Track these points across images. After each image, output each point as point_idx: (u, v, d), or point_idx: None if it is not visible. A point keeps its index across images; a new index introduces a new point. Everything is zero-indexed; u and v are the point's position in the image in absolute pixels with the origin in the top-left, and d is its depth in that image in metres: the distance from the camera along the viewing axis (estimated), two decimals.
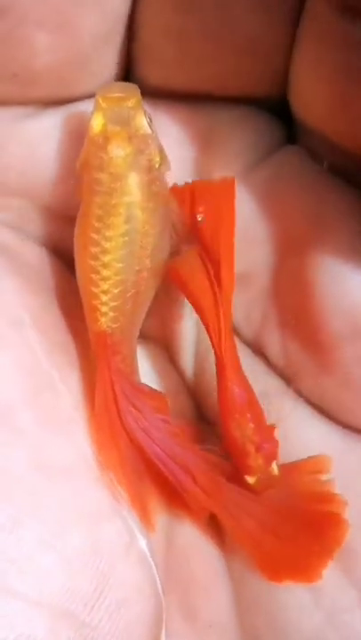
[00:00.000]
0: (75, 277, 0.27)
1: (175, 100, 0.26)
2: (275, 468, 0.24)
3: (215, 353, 0.25)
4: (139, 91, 0.24)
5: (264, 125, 0.27)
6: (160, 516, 0.25)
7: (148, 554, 0.24)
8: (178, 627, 0.24)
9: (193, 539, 0.26)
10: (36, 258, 0.27)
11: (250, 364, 0.26)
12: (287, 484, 0.25)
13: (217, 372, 0.25)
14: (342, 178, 0.26)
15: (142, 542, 0.24)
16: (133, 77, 0.26)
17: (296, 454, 0.25)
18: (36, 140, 0.26)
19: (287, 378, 0.26)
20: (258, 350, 0.27)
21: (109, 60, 0.25)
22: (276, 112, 0.27)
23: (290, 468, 0.25)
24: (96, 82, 0.25)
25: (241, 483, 0.24)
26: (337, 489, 0.24)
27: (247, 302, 0.27)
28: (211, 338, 0.25)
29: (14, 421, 0.22)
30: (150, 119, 0.25)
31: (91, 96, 0.25)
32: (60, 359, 0.25)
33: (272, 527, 0.24)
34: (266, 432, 0.24)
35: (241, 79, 0.26)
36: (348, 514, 0.24)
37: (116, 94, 0.24)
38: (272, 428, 0.25)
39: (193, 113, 0.26)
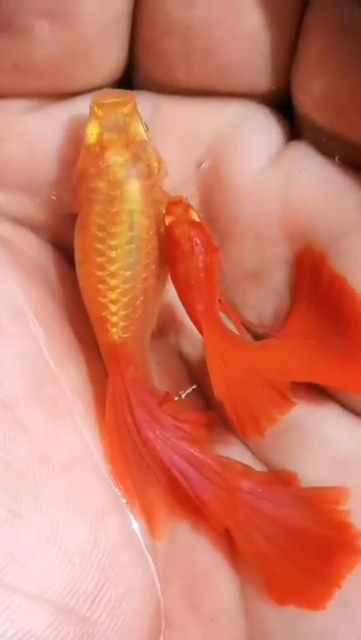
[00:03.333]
0: (75, 271, 0.27)
1: (179, 96, 0.26)
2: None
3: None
4: (134, 97, 0.24)
5: (272, 121, 0.26)
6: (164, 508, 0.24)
7: (146, 550, 0.23)
8: (181, 618, 0.24)
9: (196, 530, 0.25)
10: (37, 251, 0.27)
11: None
12: (304, 508, 0.24)
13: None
14: (355, 171, 0.25)
15: (144, 536, 0.23)
16: (136, 72, 0.26)
17: (323, 449, 0.24)
18: (37, 135, 0.26)
19: None
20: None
21: (111, 53, 0.25)
22: (277, 108, 0.26)
23: (309, 495, 0.24)
24: (98, 75, 0.25)
25: None
26: (355, 483, 0.24)
27: (259, 300, 0.26)
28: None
29: (17, 415, 0.22)
30: (146, 126, 0.24)
31: (92, 89, 0.25)
32: (62, 351, 0.25)
33: (284, 548, 0.24)
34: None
35: (245, 73, 0.25)
36: None
37: (111, 100, 0.24)
38: None
39: (199, 110, 0.26)
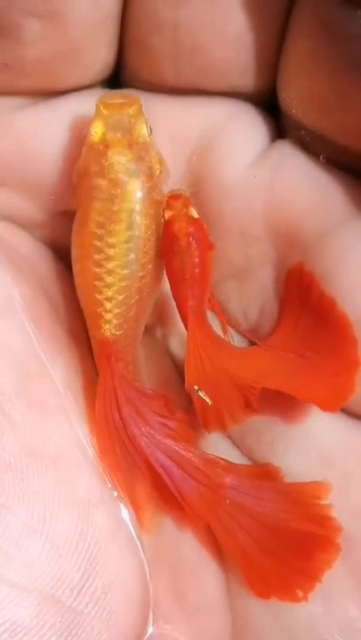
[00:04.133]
0: (66, 268, 0.27)
1: (166, 94, 0.26)
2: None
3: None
4: (140, 99, 0.25)
5: (258, 120, 0.27)
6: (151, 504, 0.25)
7: (137, 539, 0.24)
8: (167, 610, 0.24)
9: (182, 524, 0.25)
10: (27, 248, 0.27)
11: None
12: (287, 503, 0.24)
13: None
14: (340, 169, 0.25)
15: (131, 528, 0.24)
16: (125, 71, 0.27)
17: (307, 444, 0.25)
18: (27, 133, 0.26)
19: None
20: (255, 343, 0.27)
21: (100, 53, 0.25)
22: (263, 107, 0.27)
23: (291, 489, 0.25)
24: (87, 74, 0.26)
25: None
26: (338, 480, 0.24)
27: (245, 298, 0.27)
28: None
29: (4, 408, 0.23)
30: (150, 129, 0.25)
31: (82, 88, 0.26)
32: (51, 347, 0.25)
33: (264, 543, 0.24)
34: None
35: (232, 73, 0.25)
36: (350, 502, 0.24)
37: (118, 101, 0.24)
38: None
39: (185, 109, 0.26)
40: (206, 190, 0.26)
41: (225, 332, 0.26)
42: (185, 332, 0.25)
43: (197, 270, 0.25)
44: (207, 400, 0.24)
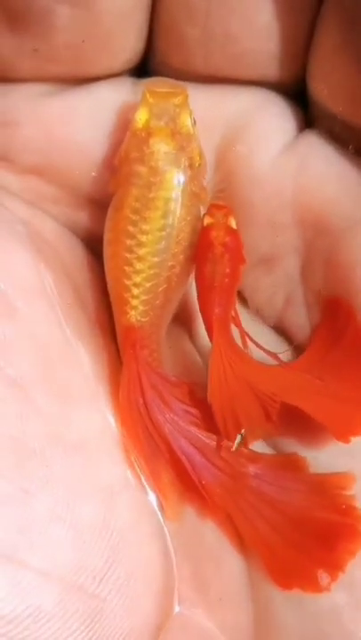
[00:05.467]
0: (92, 255, 0.27)
1: (195, 83, 0.26)
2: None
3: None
4: (187, 90, 0.25)
5: (286, 109, 0.27)
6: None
7: (164, 527, 0.24)
8: (189, 599, 0.24)
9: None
10: (52, 234, 0.27)
11: (273, 346, 0.27)
12: (310, 493, 0.25)
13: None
14: None
15: (159, 515, 0.24)
16: (154, 58, 0.27)
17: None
18: (54, 121, 0.26)
19: None
20: (281, 332, 0.27)
21: (130, 40, 0.26)
22: (291, 96, 0.27)
23: (315, 480, 0.25)
24: (116, 61, 0.26)
25: None
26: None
27: (270, 286, 0.27)
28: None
29: (29, 394, 0.22)
30: (194, 121, 0.25)
31: (110, 76, 0.26)
32: (76, 334, 0.25)
33: (286, 534, 0.25)
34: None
35: (261, 61, 0.26)
36: None
37: (164, 90, 0.25)
38: None
39: (214, 97, 0.27)
40: (235, 178, 0.26)
41: (245, 346, 0.26)
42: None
43: (227, 280, 0.25)
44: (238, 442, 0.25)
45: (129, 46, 0.26)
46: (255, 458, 0.25)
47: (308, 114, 0.27)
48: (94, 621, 0.21)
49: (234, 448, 0.25)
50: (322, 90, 0.26)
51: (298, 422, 0.25)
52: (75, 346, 0.24)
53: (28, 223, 0.26)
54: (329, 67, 0.25)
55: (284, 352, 0.26)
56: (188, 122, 0.25)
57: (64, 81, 0.26)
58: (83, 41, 0.24)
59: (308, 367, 0.26)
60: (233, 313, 0.25)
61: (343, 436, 0.24)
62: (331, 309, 0.26)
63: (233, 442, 0.25)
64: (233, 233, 0.25)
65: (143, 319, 0.25)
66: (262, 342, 0.26)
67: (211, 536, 0.25)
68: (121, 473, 0.24)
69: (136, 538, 0.23)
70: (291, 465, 0.25)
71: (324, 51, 0.25)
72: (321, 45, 0.25)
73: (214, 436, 0.25)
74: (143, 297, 0.25)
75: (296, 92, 0.27)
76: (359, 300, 0.25)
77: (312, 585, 0.24)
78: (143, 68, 0.27)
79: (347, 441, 0.24)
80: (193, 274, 0.26)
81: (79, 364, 0.24)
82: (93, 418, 0.24)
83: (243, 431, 0.25)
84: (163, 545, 0.24)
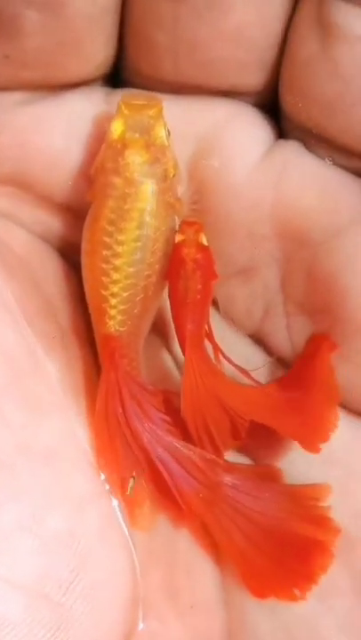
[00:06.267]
0: (66, 264, 0.27)
1: (167, 93, 0.26)
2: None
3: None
4: (162, 102, 0.25)
5: (259, 121, 0.27)
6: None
7: (129, 537, 0.24)
8: (160, 607, 0.24)
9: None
10: (22, 245, 0.27)
11: (249, 355, 0.27)
12: (285, 504, 0.25)
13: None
14: (346, 169, 0.26)
15: (123, 525, 0.24)
16: (126, 67, 0.27)
17: None
18: (28, 130, 0.26)
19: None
20: (259, 342, 0.28)
21: (100, 45, 0.25)
22: (262, 108, 0.27)
23: (290, 490, 0.25)
24: (87, 67, 0.26)
25: None
26: (340, 478, 0.25)
27: (248, 296, 0.27)
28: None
29: None
30: (169, 132, 0.25)
31: (83, 82, 0.26)
32: (45, 344, 0.25)
33: (262, 544, 0.25)
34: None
35: (231, 70, 0.25)
36: (351, 501, 0.25)
37: (140, 102, 0.25)
38: None
39: (186, 109, 0.26)
40: (210, 190, 0.26)
41: (218, 361, 0.26)
42: None
43: (199, 297, 0.25)
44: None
45: (99, 51, 0.26)
46: (231, 468, 0.25)
47: (280, 126, 0.27)
48: (60, 630, 0.21)
49: (128, 492, 0.25)
50: (295, 102, 0.25)
51: (269, 436, 0.25)
52: (42, 356, 0.25)
53: None
54: (303, 78, 0.25)
55: (257, 369, 0.26)
56: (163, 133, 0.25)
57: (37, 88, 0.26)
58: (52, 46, 0.24)
59: (281, 389, 0.26)
60: (206, 328, 0.26)
61: (312, 446, 0.24)
62: (314, 344, 0.26)
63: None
64: (204, 249, 0.25)
65: (122, 328, 0.26)
66: (239, 352, 0.26)
67: (183, 544, 0.25)
68: (90, 483, 0.24)
69: (103, 548, 0.23)
70: (266, 475, 0.25)
71: (298, 61, 0.25)
72: (294, 56, 0.25)
73: (191, 446, 0.25)
74: (121, 307, 0.25)
75: (268, 104, 0.27)
76: (341, 312, 0.25)
77: (287, 594, 0.24)
78: (118, 78, 0.27)
79: (316, 451, 0.24)
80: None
81: (47, 374, 0.24)
82: (62, 428, 0.24)
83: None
84: (130, 555, 0.24)
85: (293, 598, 0.24)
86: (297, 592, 0.24)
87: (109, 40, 0.26)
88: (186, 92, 0.26)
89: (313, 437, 0.24)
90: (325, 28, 0.23)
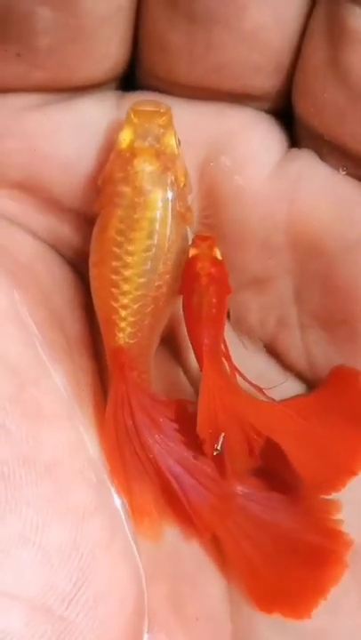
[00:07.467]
0: (73, 272, 0.27)
1: (180, 98, 0.26)
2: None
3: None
4: (171, 110, 0.24)
5: (272, 128, 0.26)
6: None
7: (134, 548, 0.24)
8: (165, 619, 0.24)
9: (185, 533, 0.26)
10: (28, 254, 0.27)
11: (263, 369, 0.27)
12: (297, 515, 0.25)
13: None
14: (360, 179, 0.25)
15: (128, 537, 0.24)
16: (140, 68, 0.26)
17: None
18: (38, 135, 0.25)
19: (308, 377, 0.27)
20: (273, 354, 0.27)
21: (113, 45, 0.25)
22: (275, 115, 0.26)
23: (304, 503, 0.25)
24: (100, 68, 0.25)
25: None
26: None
27: (262, 307, 0.27)
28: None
29: None
30: (179, 140, 0.25)
31: (94, 85, 0.25)
32: (50, 354, 0.25)
33: (271, 557, 0.25)
34: None
35: (245, 73, 0.25)
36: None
37: (149, 109, 0.24)
38: None
39: (200, 116, 0.26)
40: (223, 200, 0.26)
41: (234, 376, 0.26)
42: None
43: (214, 311, 0.25)
44: (218, 448, 0.25)
45: (112, 52, 0.25)
46: (244, 478, 0.25)
47: (293, 132, 0.26)
48: None
49: (215, 453, 0.25)
50: (308, 108, 0.25)
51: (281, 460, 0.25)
52: (48, 366, 0.24)
53: (2, 248, 0.26)
54: (316, 84, 0.24)
55: (273, 387, 0.26)
56: (173, 142, 0.24)
57: (49, 90, 0.25)
58: (64, 44, 0.24)
59: (299, 409, 0.26)
60: (223, 345, 0.25)
61: (313, 490, 0.24)
62: (338, 374, 0.26)
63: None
64: (218, 264, 0.25)
65: (131, 341, 0.25)
66: (253, 364, 0.26)
67: (190, 556, 0.25)
68: (95, 494, 0.24)
69: (107, 560, 0.23)
70: (279, 486, 0.25)
71: (312, 67, 0.24)
72: (308, 60, 0.24)
73: (203, 457, 0.25)
74: (131, 318, 0.25)
75: (282, 109, 0.26)
76: (357, 324, 0.25)
77: (293, 611, 0.24)
78: (131, 81, 0.27)
79: (314, 496, 0.24)
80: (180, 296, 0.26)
81: (52, 384, 0.24)
82: (67, 439, 0.24)
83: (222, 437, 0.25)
84: (135, 566, 0.24)
85: (299, 616, 0.24)
86: (303, 609, 0.24)
87: (123, 41, 0.25)
88: (199, 95, 0.26)
89: (318, 480, 0.24)
90: (339, 33, 0.23)
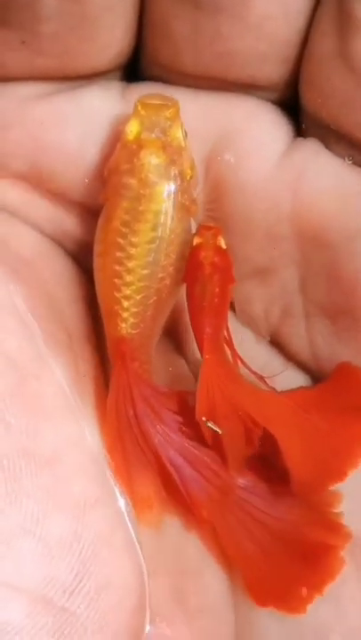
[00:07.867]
0: (75, 266, 0.27)
1: (185, 88, 0.26)
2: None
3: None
4: (178, 103, 0.24)
5: (278, 118, 0.26)
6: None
7: (136, 540, 0.24)
8: (168, 611, 0.24)
9: (186, 524, 0.26)
10: (30, 248, 0.27)
11: (267, 360, 0.27)
12: (297, 508, 0.25)
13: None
14: None
15: (129, 529, 0.24)
16: (144, 57, 0.26)
17: None
18: (43, 124, 0.25)
19: (312, 368, 0.27)
20: (277, 345, 0.27)
21: (117, 33, 0.25)
22: (281, 104, 0.26)
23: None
24: (104, 55, 0.25)
25: None
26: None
27: (266, 297, 0.27)
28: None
29: None
30: (186, 133, 0.25)
31: (98, 73, 0.25)
32: (50, 347, 0.25)
33: (270, 550, 0.25)
34: None
35: (251, 62, 0.25)
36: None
37: (156, 102, 0.24)
38: None
39: (204, 106, 0.26)
40: (228, 190, 0.26)
41: (236, 365, 0.26)
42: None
43: (217, 300, 0.25)
44: (217, 430, 0.25)
45: (116, 40, 0.25)
46: (244, 470, 0.25)
47: (299, 122, 0.26)
48: (64, 635, 0.21)
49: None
50: (315, 98, 0.25)
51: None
52: (48, 360, 0.24)
53: (2, 242, 0.26)
54: (323, 74, 0.24)
55: (275, 375, 0.26)
56: (180, 134, 0.24)
57: (53, 78, 0.25)
58: (68, 31, 0.24)
59: (301, 401, 0.26)
60: (225, 333, 0.25)
61: (302, 489, 0.24)
62: (344, 370, 0.26)
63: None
64: (222, 253, 0.25)
65: (134, 331, 0.25)
66: (256, 356, 0.26)
67: (192, 547, 0.25)
68: (95, 486, 0.24)
69: (109, 551, 0.23)
70: (280, 478, 0.25)
71: (319, 56, 0.24)
72: (315, 50, 0.24)
73: (204, 448, 0.25)
74: (133, 309, 0.25)
75: (288, 99, 0.26)
76: None
77: (287, 605, 0.24)
78: (135, 72, 0.27)
79: (303, 496, 0.24)
80: (183, 287, 0.26)
81: (53, 377, 0.24)
82: (67, 431, 0.24)
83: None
84: (136, 558, 0.24)
85: (293, 610, 0.24)
86: (298, 604, 0.24)
87: (127, 28, 0.25)
88: (205, 84, 0.26)
89: (308, 480, 0.24)
90: (346, 23, 0.23)
